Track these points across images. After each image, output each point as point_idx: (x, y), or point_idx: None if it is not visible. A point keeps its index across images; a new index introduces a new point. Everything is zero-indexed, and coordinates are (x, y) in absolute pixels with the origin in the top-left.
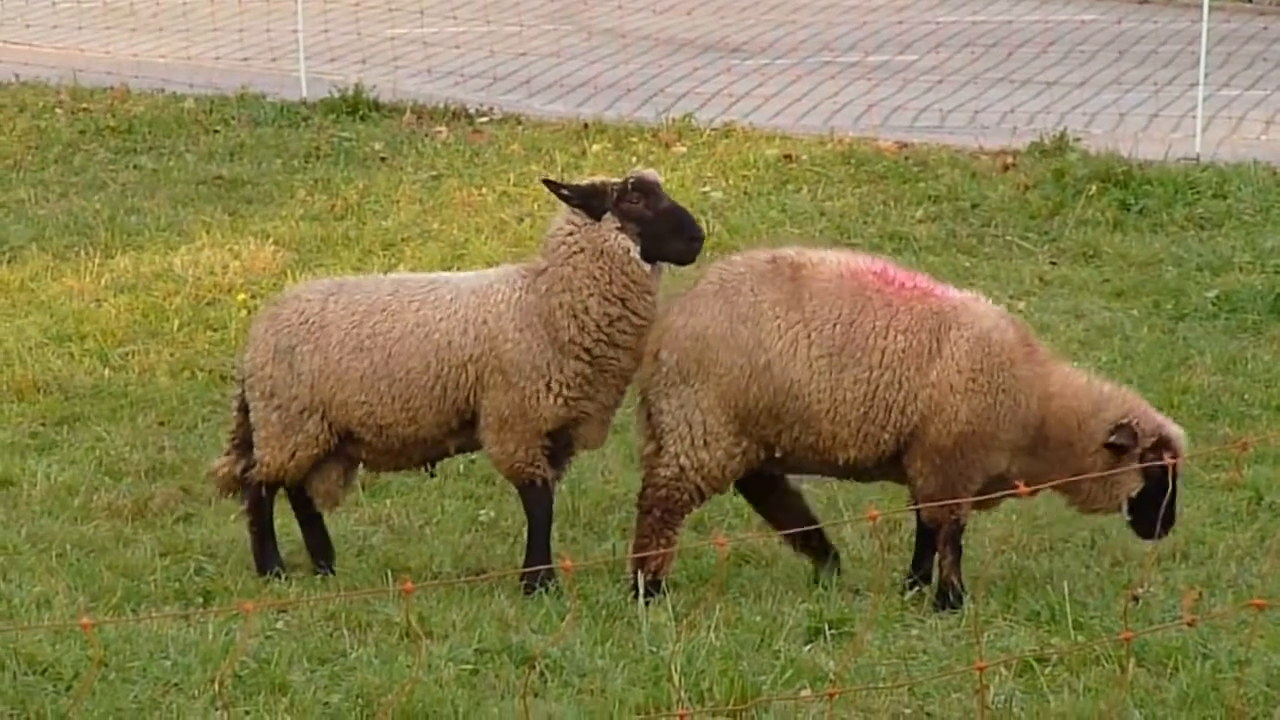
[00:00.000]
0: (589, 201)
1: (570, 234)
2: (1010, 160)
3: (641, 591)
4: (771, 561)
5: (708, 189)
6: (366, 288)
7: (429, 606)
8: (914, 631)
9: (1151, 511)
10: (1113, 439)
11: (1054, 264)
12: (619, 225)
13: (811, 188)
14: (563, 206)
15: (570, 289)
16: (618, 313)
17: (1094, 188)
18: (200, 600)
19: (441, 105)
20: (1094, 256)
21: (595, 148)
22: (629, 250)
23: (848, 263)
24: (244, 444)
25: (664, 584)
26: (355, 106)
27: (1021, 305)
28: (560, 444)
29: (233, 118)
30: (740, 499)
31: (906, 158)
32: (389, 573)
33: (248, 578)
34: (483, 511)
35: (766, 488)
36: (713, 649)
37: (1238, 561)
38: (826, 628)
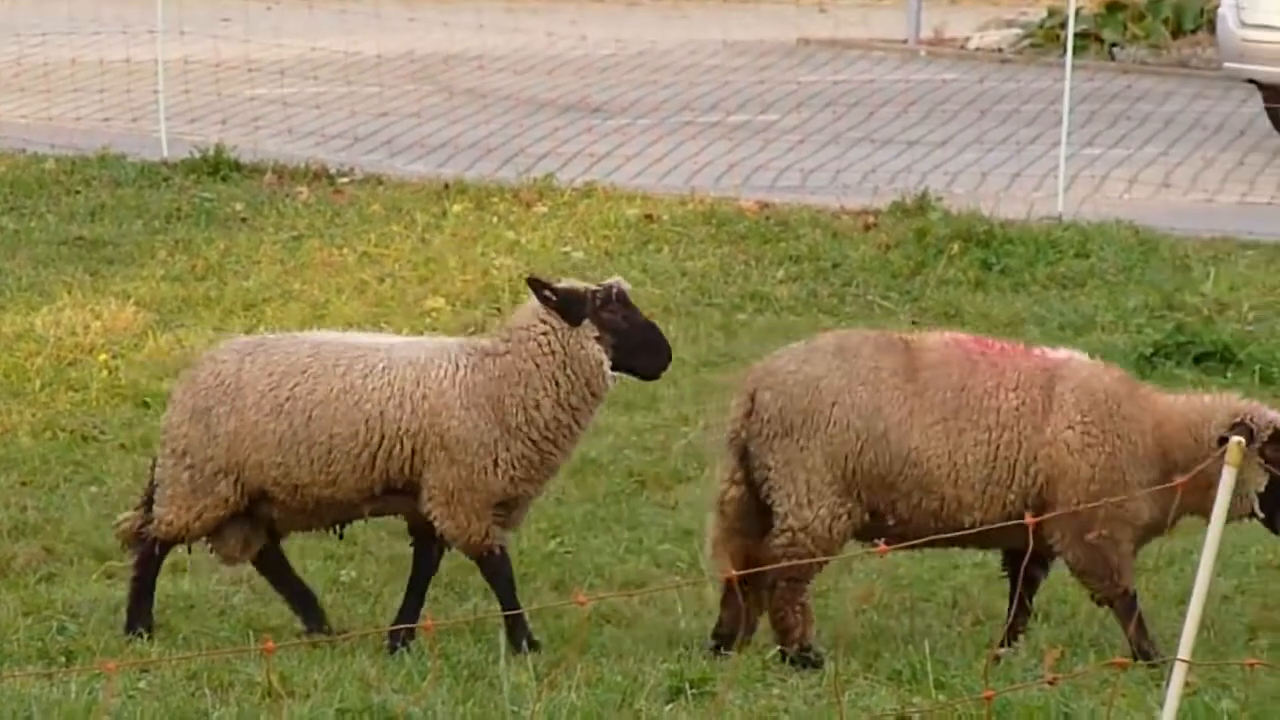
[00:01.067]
0: (570, 306)
1: (544, 334)
2: (872, 220)
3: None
4: (633, 621)
5: (569, 249)
6: (285, 347)
7: (291, 666)
8: (775, 691)
9: None
10: (1227, 434)
11: (915, 324)
12: (596, 334)
13: (673, 247)
14: (534, 299)
15: (527, 385)
16: (567, 420)
17: (956, 247)
18: (63, 660)
19: (302, 165)
20: (956, 316)
21: (456, 208)
22: (601, 362)
23: (948, 335)
24: (151, 501)
25: (813, 649)
26: (216, 167)
27: None
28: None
29: (94, 178)
30: (601, 558)
31: (768, 217)
32: (251, 632)
33: (110, 637)
34: (344, 571)
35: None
36: (574, 709)
37: (1100, 621)
38: (688, 687)
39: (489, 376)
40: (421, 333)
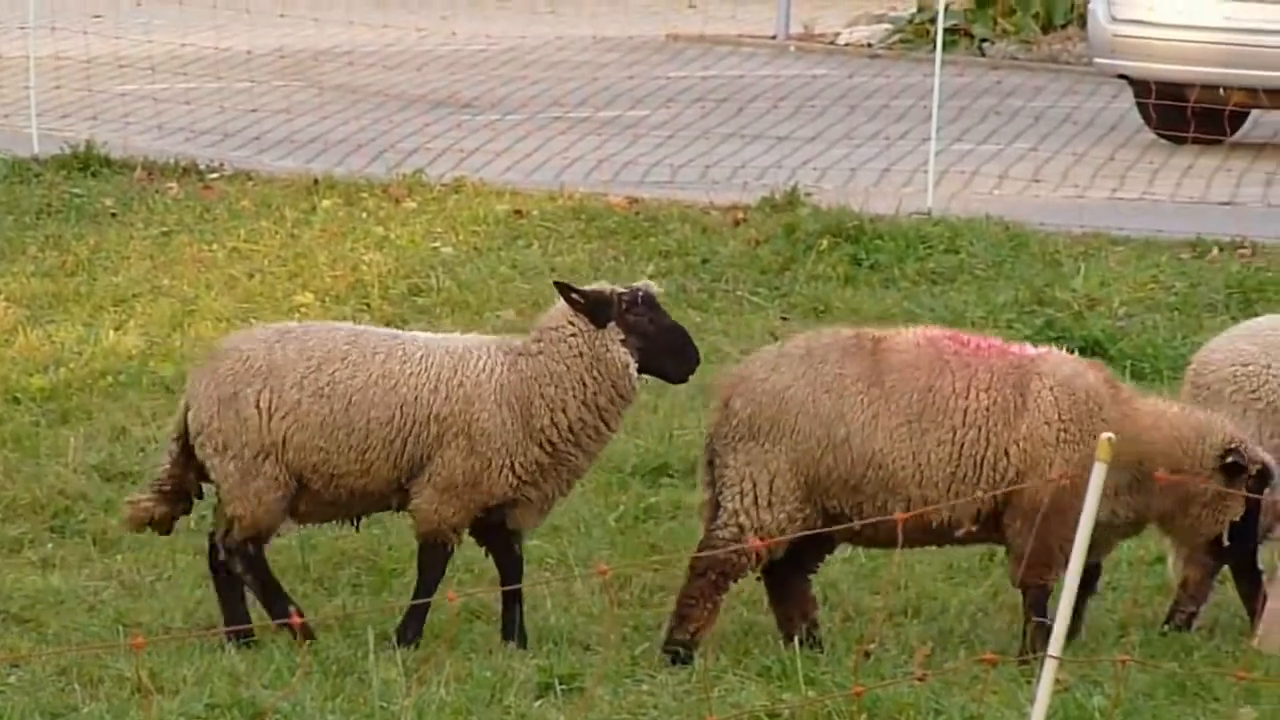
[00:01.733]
0: (596, 309)
1: (573, 334)
2: (741, 215)
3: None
4: (502, 617)
5: (438, 244)
6: (318, 334)
7: (160, 662)
8: (644, 687)
9: (1249, 538)
10: (1230, 460)
11: (785, 319)
12: (622, 337)
13: (542, 243)
14: (562, 301)
15: (556, 385)
16: (592, 421)
17: (825, 242)
18: None
19: (172, 161)
20: (825, 311)
21: (325, 203)
22: (628, 365)
23: (924, 332)
24: (173, 492)
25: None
26: (87, 163)
27: None
28: (492, 518)
29: None
30: (471, 553)
31: (637, 213)
32: (120, 628)
33: None
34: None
35: (785, 577)
36: (443, 704)
37: (970, 617)
38: (557, 683)
39: (521, 377)
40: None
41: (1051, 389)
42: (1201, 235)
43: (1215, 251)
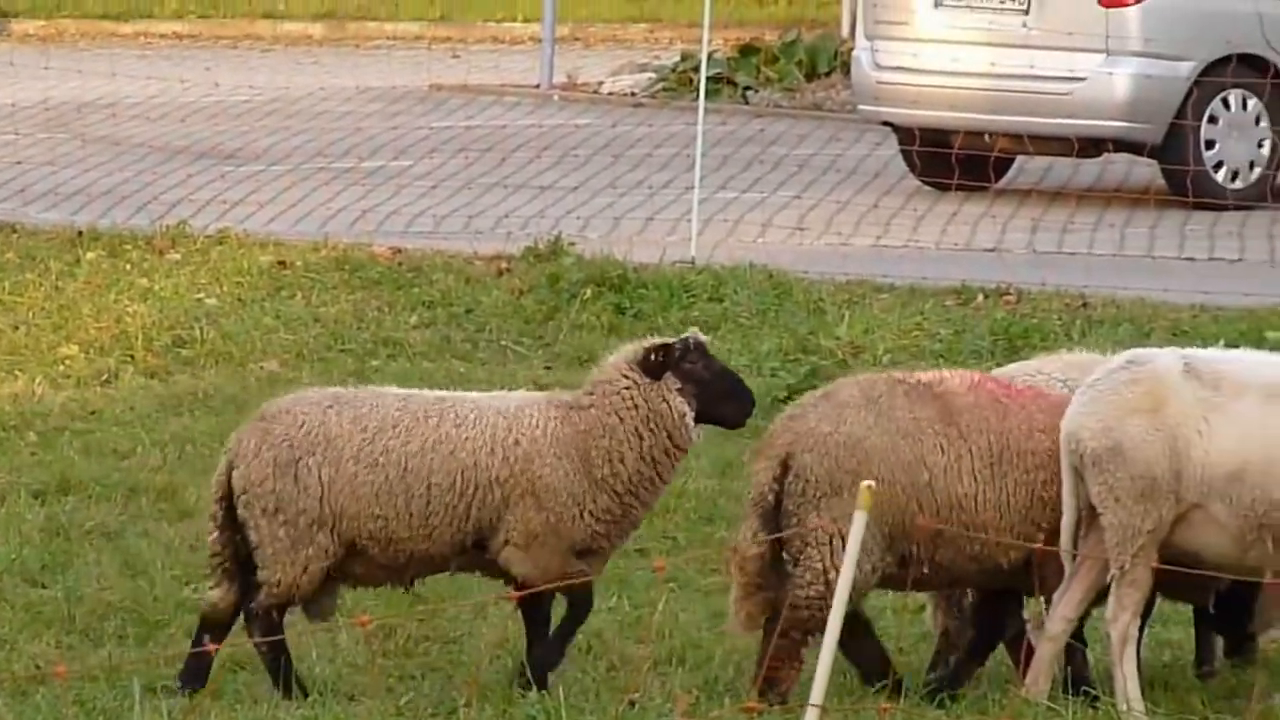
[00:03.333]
0: (651, 361)
1: (628, 388)
2: (505, 265)
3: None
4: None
5: (202, 296)
6: (369, 401)
7: None
8: None
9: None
10: None
11: (549, 369)
12: (679, 386)
13: (306, 294)
14: (614, 355)
15: (612, 438)
16: (649, 473)
17: (589, 292)
18: None
19: None
20: (589, 360)
21: (90, 255)
22: (685, 415)
23: (966, 375)
24: (231, 567)
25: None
26: None
27: None
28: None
29: None
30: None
31: (401, 263)
32: None
33: None
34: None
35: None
36: None
37: (735, 665)
38: None
39: (575, 430)
40: (58, 380)
41: None
42: (966, 282)
43: (980, 298)
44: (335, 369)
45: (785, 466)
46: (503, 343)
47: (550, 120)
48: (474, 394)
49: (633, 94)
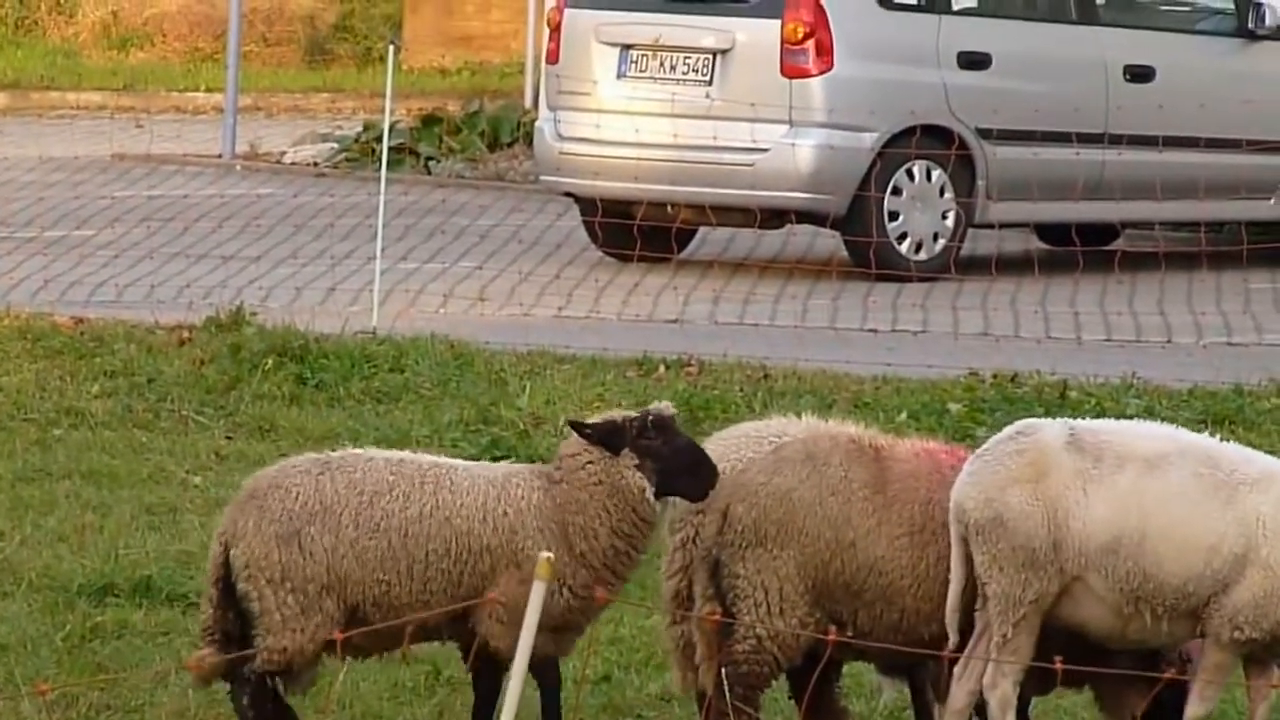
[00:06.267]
0: (608, 439)
1: (588, 464)
2: (187, 335)
3: None
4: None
5: None
6: (359, 466)
7: None
8: None
9: None
10: None
11: (230, 438)
12: (637, 462)
13: None
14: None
15: (582, 511)
16: (623, 547)
17: (270, 362)
18: None
19: None
20: (270, 430)
21: None
22: (644, 490)
23: (919, 444)
24: (224, 635)
25: None
26: None
27: (198, 480)
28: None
29: None
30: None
31: (83, 333)
32: None
33: None
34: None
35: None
36: None
37: None
38: None
39: (555, 502)
40: None
41: None
42: (648, 353)
43: (662, 369)
44: (17, 438)
45: (725, 517)
46: (184, 412)
47: (233, 190)
48: (464, 462)
49: (315, 164)
